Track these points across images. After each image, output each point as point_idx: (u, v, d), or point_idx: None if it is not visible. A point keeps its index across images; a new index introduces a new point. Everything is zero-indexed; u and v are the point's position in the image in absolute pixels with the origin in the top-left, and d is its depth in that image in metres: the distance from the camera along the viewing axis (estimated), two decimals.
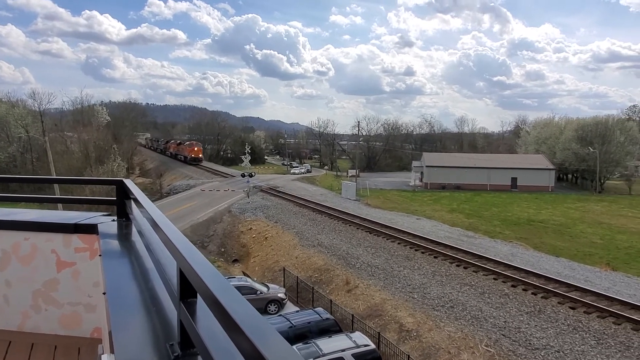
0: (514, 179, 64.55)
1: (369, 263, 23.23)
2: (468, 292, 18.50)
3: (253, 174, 45.32)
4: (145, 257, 2.62)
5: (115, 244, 3.24)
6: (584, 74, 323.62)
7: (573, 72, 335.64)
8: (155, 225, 2.06)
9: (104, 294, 2.23)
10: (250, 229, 33.32)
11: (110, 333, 1.82)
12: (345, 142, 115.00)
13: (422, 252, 23.55)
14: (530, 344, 14.34)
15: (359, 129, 76.92)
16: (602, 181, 68.52)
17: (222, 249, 31.09)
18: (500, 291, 18.10)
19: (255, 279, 24.01)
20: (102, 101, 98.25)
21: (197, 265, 1.37)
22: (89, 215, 3.81)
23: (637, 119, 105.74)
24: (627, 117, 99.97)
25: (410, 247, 24.56)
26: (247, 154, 44.30)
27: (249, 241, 31.72)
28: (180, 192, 50.85)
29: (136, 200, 2.97)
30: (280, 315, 17.84)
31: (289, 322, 16.32)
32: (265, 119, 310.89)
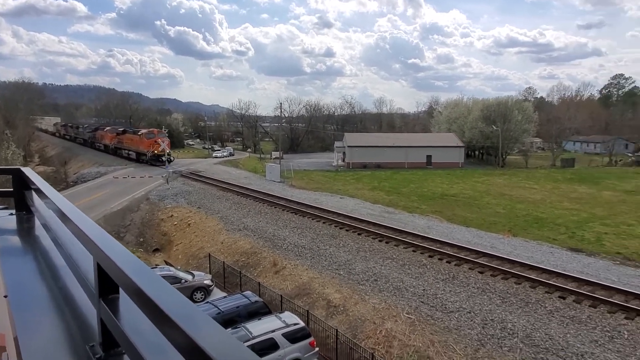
0: (429, 157, 68.72)
1: (295, 243, 23.44)
2: (390, 265, 19.48)
3: (172, 158, 43.00)
4: (53, 253, 2.37)
5: (15, 240, 2.88)
6: (488, 57, 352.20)
7: (478, 56, 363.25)
8: (64, 217, 1.88)
9: (5, 296, 1.94)
10: (172, 216, 31.85)
11: (15, 339, 1.59)
12: (268, 124, 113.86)
13: (347, 230, 24.27)
14: (445, 307, 15.55)
15: (281, 111, 76.38)
16: (504, 157, 75.55)
17: (141, 239, 29.41)
18: (419, 262, 19.30)
19: (179, 267, 23.11)
20: None
21: (118, 258, 1.26)
22: None
23: (532, 99, 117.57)
24: (524, 98, 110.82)
25: (335, 226, 25.18)
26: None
27: (171, 229, 30.34)
28: (90, 180, 46.94)
29: (39, 191, 2.66)
30: (207, 302, 17.40)
31: (216, 309, 15.98)
32: (183, 101, 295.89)
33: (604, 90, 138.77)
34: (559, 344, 12.79)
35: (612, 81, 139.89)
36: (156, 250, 28.42)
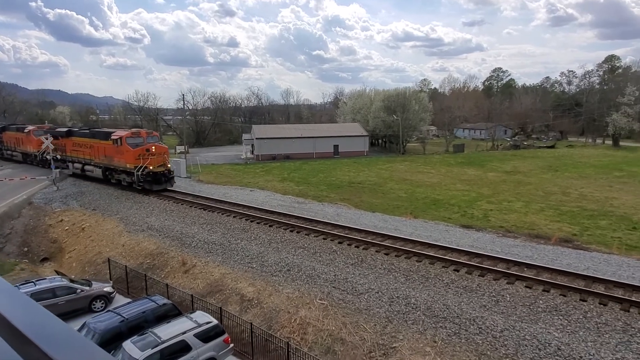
0: (336, 146, 70.83)
1: (205, 240, 22.66)
2: (302, 254, 19.77)
3: (57, 157, 38.57)
4: None
5: None
6: (387, 51, 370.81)
7: (378, 49, 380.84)
8: None
9: None
10: (62, 220, 28.75)
11: None
12: (171, 117, 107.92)
13: (258, 223, 24.07)
14: (356, 290, 16.25)
15: (184, 103, 72.81)
16: (404, 144, 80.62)
17: (25, 249, 26.12)
18: (330, 249, 19.87)
19: (73, 276, 21.02)
20: None
21: None
22: None
23: (427, 90, 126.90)
24: (420, 89, 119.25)
25: (246, 219, 24.83)
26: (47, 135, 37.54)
27: (61, 235, 27.39)
28: None
29: None
30: (108, 310, 16.08)
31: (119, 317, 14.86)
32: (69, 92, 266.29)
33: (486, 82, 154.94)
34: (454, 312, 14.11)
35: (492, 74, 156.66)
36: (45, 259, 25.47)
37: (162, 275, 20.46)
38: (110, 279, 20.80)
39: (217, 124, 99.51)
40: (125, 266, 20.59)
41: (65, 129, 41.27)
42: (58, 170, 36.74)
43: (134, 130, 33.54)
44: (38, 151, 43.10)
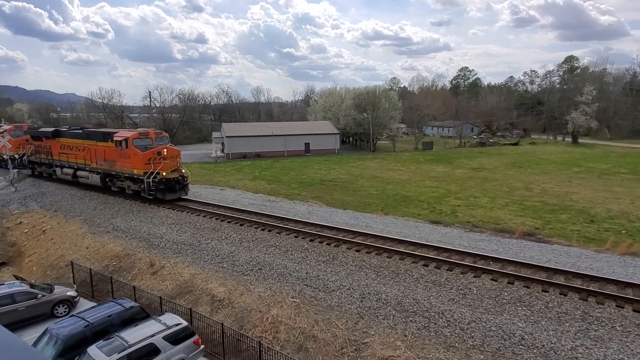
0: (307, 144, 70.82)
1: (174, 240, 22.18)
2: (274, 252, 19.67)
3: (15, 156, 36.72)
4: None
5: None
6: (357, 49, 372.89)
7: (349, 47, 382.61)
8: None
9: None
10: (20, 223, 27.51)
11: None
12: (137, 115, 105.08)
13: (229, 222, 23.76)
14: (327, 287, 16.31)
15: (150, 100, 71.04)
16: (374, 142, 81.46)
17: None
18: (301, 247, 19.85)
19: (34, 281, 20.14)
20: None
21: None
22: None
23: (397, 89, 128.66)
24: (390, 87, 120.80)
25: (217, 219, 24.46)
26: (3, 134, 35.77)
27: (20, 238, 26.19)
28: None
29: None
30: (72, 315, 15.48)
31: (84, 321, 14.34)
32: (28, 89, 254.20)
33: (453, 81, 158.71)
34: (424, 306, 14.39)
35: (459, 73, 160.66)
36: (2, 264, 24.28)
37: (129, 278, 19.90)
38: (74, 283, 20.06)
39: (186, 122, 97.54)
40: (90, 269, 19.89)
41: (51, 129, 35.90)
42: (16, 170, 35.11)
43: (141, 130, 29.16)
44: (17, 154, 38.87)
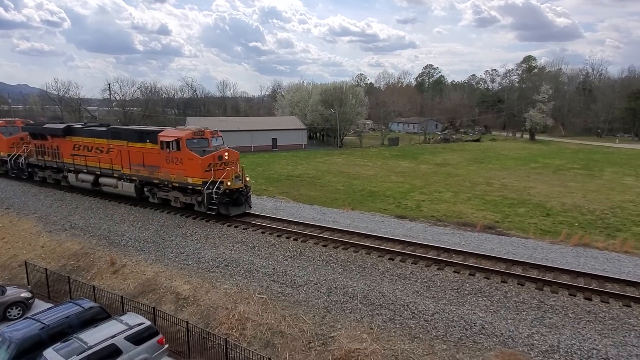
0: (274, 140, 70.39)
1: (136, 238, 21.52)
2: (240, 248, 19.45)
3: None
4: None
5: None
6: (324, 45, 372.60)
7: (316, 43, 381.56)
8: None
9: None
10: None
11: None
12: (96, 108, 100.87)
13: (194, 218, 23.27)
14: (294, 282, 16.31)
15: (110, 93, 68.45)
16: (341, 137, 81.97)
17: None
18: (268, 242, 19.73)
19: None
20: None
21: None
22: None
23: (363, 85, 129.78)
24: (357, 83, 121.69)
25: (181, 215, 23.90)
26: None
27: None
28: None
29: None
30: (27, 317, 14.76)
31: (39, 323, 13.72)
32: None
33: (418, 78, 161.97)
34: (389, 299, 14.66)
35: (424, 70, 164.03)
36: None
37: (89, 277, 19.17)
38: (28, 284, 19.12)
39: (149, 116, 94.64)
40: (46, 269, 19.00)
41: (61, 126, 29.46)
42: None
43: (195, 129, 23.09)
44: (8, 155, 33.34)
